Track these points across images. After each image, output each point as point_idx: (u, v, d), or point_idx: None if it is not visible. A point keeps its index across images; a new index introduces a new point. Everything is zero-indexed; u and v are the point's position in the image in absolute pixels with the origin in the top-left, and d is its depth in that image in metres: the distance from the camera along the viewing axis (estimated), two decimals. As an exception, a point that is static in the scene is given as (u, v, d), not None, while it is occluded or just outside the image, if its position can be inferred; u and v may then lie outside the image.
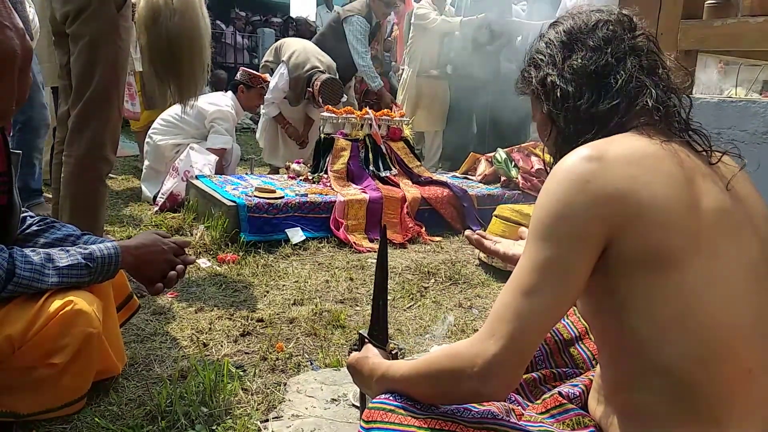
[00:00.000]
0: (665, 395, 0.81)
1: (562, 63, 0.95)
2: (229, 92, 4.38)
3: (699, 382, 0.79)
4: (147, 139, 4.20)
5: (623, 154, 0.84)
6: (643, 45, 0.95)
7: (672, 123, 0.90)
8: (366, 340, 1.17)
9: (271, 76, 4.73)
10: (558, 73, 0.95)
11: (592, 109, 0.91)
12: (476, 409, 0.89)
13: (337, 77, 4.58)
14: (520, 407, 1.01)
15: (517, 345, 0.81)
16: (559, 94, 0.94)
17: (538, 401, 1.00)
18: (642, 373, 0.82)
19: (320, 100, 4.31)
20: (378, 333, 1.16)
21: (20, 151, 1.48)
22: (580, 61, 0.93)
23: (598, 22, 0.95)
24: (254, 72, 4.46)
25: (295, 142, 4.84)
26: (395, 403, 0.91)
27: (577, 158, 0.84)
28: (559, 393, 0.99)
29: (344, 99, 4.49)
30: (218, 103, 4.18)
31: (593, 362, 1.15)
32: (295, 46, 4.68)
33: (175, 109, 4.09)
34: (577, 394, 1.00)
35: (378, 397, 0.94)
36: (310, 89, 4.46)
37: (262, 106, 4.73)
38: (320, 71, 4.48)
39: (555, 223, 0.82)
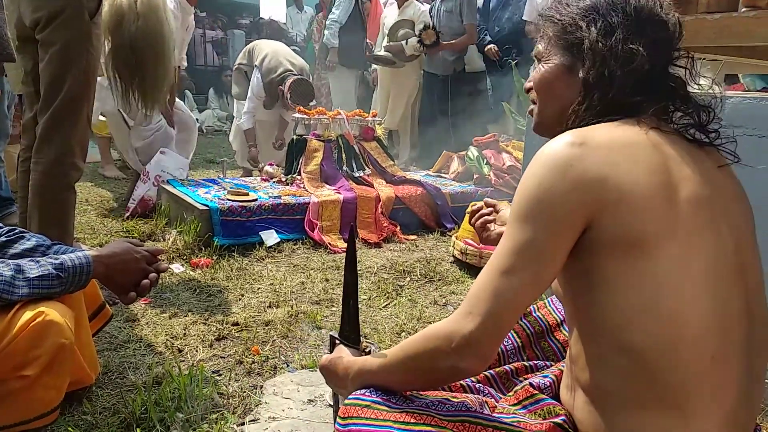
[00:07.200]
0: (629, 378, 0.82)
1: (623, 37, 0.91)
2: None
3: (662, 367, 0.81)
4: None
5: (605, 141, 0.85)
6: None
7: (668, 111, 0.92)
8: (337, 342, 1.15)
9: (245, 78, 4.70)
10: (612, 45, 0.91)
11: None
12: (451, 402, 0.90)
13: (309, 78, 4.57)
14: (493, 399, 1.02)
15: (494, 322, 0.83)
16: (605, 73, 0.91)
17: (511, 393, 1.02)
18: (608, 354, 0.84)
19: (289, 101, 4.29)
20: (349, 333, 1.13)
21: None
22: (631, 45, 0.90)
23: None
24: None
25: (272, 145, 4.82)
26: (371, 398, 0.92)
27: (560, 143, 0.86)
28: (530, 384, 1.00)
29: (313, 102, 4.46)
30: None
31: (563, 353, 1.17)
32: (266, 50, 4.65)
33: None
34: (548, 384, 1.02)
35: (354, 393, 0.95)
36: (282, 88, 4.44)
37: (239, 115, 4.67)
38: (292, 73, 4.47)
39: (536, 207, 0.84)
